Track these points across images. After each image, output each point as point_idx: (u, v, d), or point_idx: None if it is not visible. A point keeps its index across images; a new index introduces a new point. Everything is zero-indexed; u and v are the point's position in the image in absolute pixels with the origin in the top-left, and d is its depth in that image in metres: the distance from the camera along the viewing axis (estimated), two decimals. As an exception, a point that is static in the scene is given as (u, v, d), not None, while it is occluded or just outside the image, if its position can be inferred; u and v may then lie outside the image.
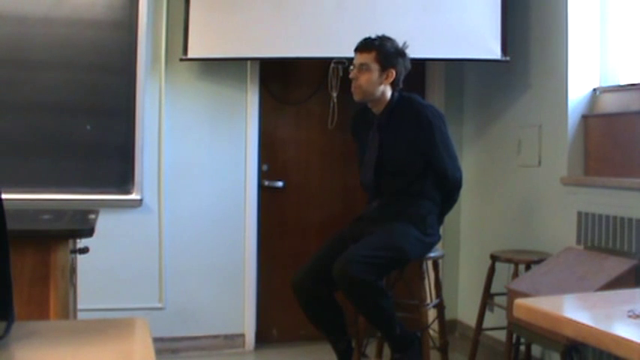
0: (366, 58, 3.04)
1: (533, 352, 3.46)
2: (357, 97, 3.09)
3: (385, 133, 3.09)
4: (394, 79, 3.04)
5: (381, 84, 3.04)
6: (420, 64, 3.95)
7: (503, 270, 3.44)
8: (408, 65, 3.11)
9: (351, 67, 3.09)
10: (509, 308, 3.04)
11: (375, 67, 3.02)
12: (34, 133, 3.59)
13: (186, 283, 3.92)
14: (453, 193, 3.15)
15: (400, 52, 3.06)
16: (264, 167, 4.10)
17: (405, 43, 3.08)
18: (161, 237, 3.87)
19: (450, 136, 3.11)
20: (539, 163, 3.63)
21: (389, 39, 3.06)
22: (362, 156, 3.20)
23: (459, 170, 3.12)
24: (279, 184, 4.13)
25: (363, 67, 3.04)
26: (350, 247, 2.91)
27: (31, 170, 3.58)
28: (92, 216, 2.37)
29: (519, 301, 1.53)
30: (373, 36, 3.07)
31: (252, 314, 4.03)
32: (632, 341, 1.23)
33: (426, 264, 3.17)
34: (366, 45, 3.06)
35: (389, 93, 3.08)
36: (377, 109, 3.11)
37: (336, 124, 3.85)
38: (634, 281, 2.83)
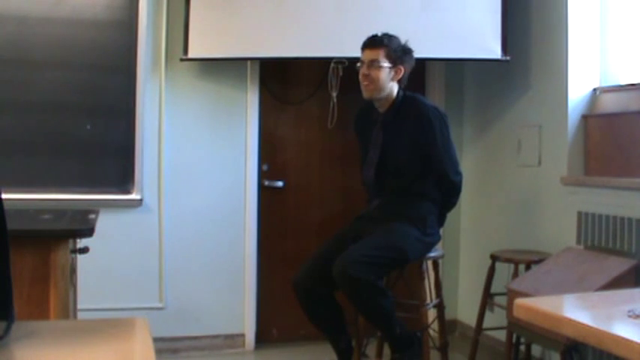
0: (376, 54, 3.02)
1: (533, 352, 3.45)
2: (367, 95, 3.06)
3: (388, 132, 3.09)
4: (402, 77, 3.05)
5: (391, 80, 3.03)
6: (420, 64, 3.93)
7: (503, 270, 3.44)
8: (413, 63, 3.11)
9: (358, 65, 3.07)
10: (509, 308, 3.03)
11: (385, 64, 3.01)
12: (34, 132, 3.59)
13: (186, 283, 3.92)
14: (451, 196, 3.14)
15: (406, 50, 3.07)
16: (264, 167, 4.10)
17: (407, 42, 3.08)
18: (161, 237, 3.87)
19: (451, 138, 3.10)
20: (539, 163, 3.63)
21: (393, 36, 3.06)
22: (364, 154, 3.20)
23: (458, 174, 3.11)
24: (279, 184, 4.13)
25: (374, 64, 3.01)
26: (350, 246, 2.91)
27: (31, 170, 3.58)
28: (92, 216, 2.38)
29: (519, 301, 1.53)
30: (379, 33, 3.06)
31: (252, 314, 4.03)
32: (632, 341, 1.23)
33: (426, 264, 3.17)
34: (375, 41, 3.04)
35: (395, 91, 3.08)
36: (382, 108, 3.11)
37: (336, 124, 3.85)
38: (634, 281, 2.83)
